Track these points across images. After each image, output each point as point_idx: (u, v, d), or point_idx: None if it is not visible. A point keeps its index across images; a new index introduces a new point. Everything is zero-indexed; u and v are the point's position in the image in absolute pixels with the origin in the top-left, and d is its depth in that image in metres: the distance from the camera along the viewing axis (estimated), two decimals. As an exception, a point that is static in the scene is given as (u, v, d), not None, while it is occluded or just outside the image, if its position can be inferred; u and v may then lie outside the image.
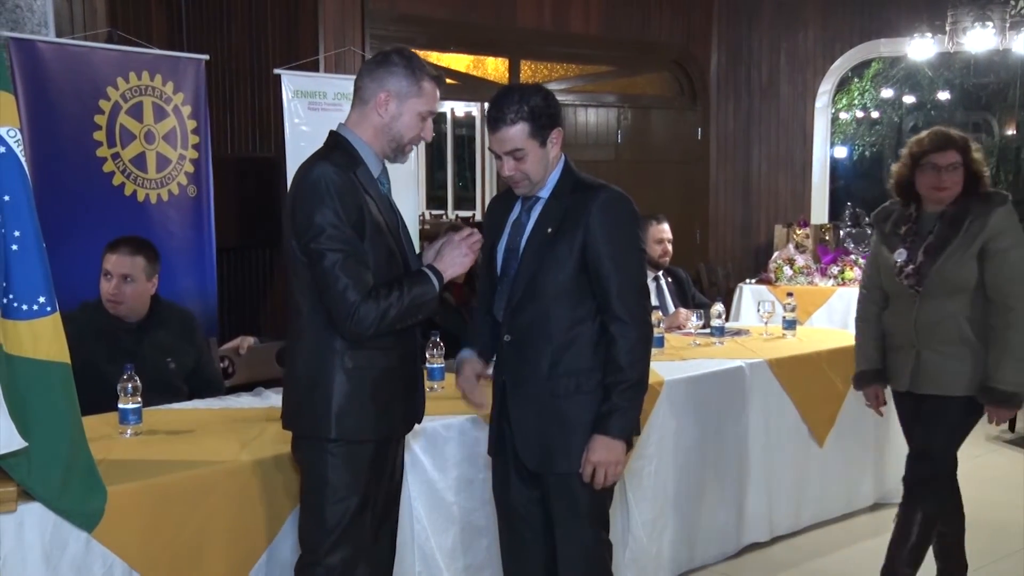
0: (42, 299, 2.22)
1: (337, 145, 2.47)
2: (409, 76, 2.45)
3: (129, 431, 2.92)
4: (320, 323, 2.41)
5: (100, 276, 3.54)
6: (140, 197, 4.98)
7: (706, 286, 7.45)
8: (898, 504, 4.73)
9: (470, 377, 2.74)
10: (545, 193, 2.61)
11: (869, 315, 3.49)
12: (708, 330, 4.66)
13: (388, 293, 2.37)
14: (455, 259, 2.50)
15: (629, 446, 2.67)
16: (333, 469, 2.44)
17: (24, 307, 2.20)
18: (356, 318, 2.34)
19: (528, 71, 7.46)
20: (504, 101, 2.51)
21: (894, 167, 3.45)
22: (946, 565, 3.49)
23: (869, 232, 5.88)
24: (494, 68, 7.38)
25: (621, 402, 2.52)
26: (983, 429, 6.13)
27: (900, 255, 3.32)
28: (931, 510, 3.35)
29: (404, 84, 2.45)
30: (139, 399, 2.95)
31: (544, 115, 2.53)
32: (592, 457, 2.52)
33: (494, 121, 2.52)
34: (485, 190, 7.05)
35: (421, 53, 2.62)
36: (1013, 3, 6.92)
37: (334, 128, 2.53)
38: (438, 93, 2.52)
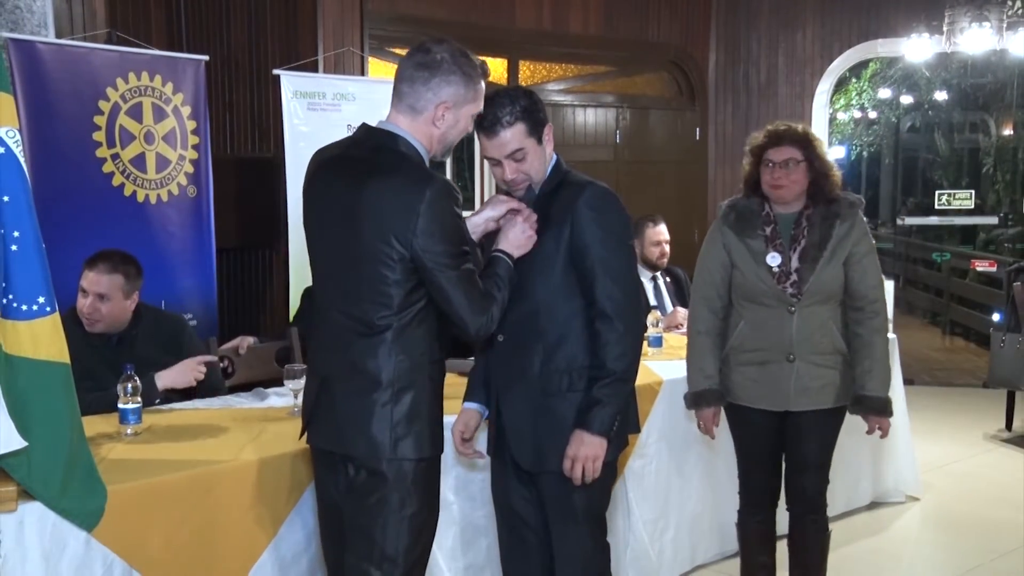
0: (42, 299, 2.21)
1: (401, 148, 2.35)
2: (466, 82, 2.37)
3: (129, 431, 2.92)
4: (419, 333, 2.34)
5: (78, 291, 3.43)
6: (140, 197, 4.98)
7: (705, 286, 7.44)
8: (894, 504, 4.78)
9: (467, 430, 2.74)
10: (536, 191, 2.61)
11: (709, 327, 3.16)
12: (707, 329, 4.65)
13: (497, 288, 2.41)
14: (520, 238, 2.51)
15: (624, 444, 2.66)
16: (429, 488, 2.41)
17: (24, 307, 2.19)
18: (493, 319, 2.38)
19: (527, 71, 7.46)
20: (496, 105, 2.49)
21: (745, 164, 3.23)
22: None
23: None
24: (493, 68, 7.37)
25: (601, 397, 2.50)
26: (980, 428, 6.16)
27: (774, 259, 3.07)
28: (822, 528, 3.24)
29: (461, 91, 2.36)
30: (139, 399, 2.94)
31: (536, 112, 2.54)
32: (569, 451, 2.51)
33: (491, 126, 2.50)
34: (484, 190, 7.04)
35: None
36: (1010, 3, 6.93)
37: (385, 126, 2.38)
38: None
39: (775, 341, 3.08)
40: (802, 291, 3.04)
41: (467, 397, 2.76)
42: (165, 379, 3.36)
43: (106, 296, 3.39)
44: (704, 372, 3.17)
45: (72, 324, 3.28)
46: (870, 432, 3.15)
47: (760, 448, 3.21)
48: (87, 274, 3.42)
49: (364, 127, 2.44)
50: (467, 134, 2.50)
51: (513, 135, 2.52)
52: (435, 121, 2.37)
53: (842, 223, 3.06)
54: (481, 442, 2.78)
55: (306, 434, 2.50)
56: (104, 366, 3.33)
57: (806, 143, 3.08)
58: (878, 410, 3.08)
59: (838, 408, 3.13)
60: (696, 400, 3.21)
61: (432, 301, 2.34)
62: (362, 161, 2.36)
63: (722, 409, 3.24)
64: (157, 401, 3.32)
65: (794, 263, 3.06)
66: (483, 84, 2.43)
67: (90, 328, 3.41)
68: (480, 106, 2.44)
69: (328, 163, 2.43)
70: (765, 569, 3.35)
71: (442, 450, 2.46)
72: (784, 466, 3.22)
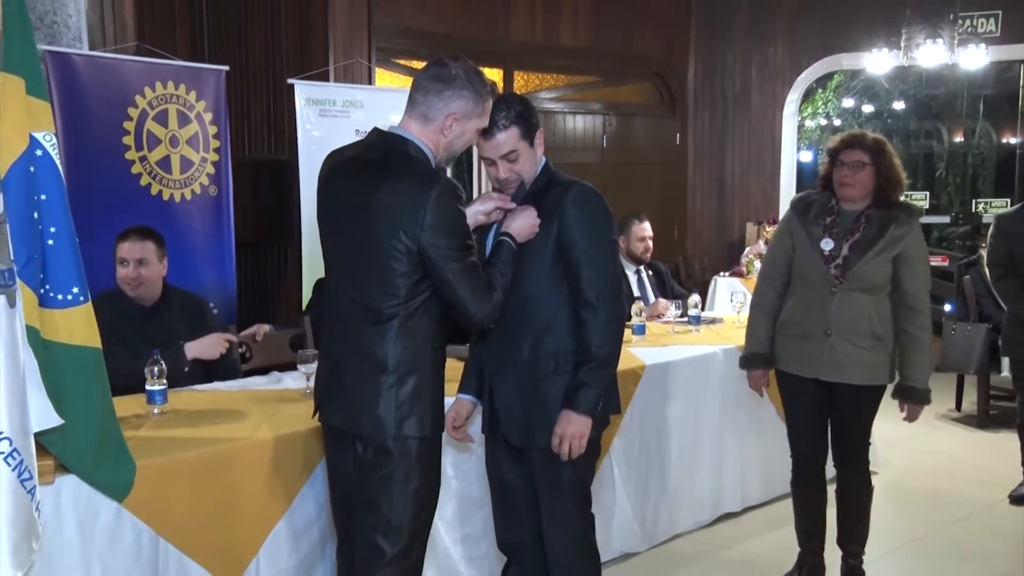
0: (75, 290, 2.21)
1: (411, 151, 2.34)
2: (475, 98, 2.36)
3: (156, 410, 2.92)
4: (423, 322, 2.33)
5: (116, 265, 3.53)
6: (165, 196, 4.98)
7: (684, 278, 7.46)
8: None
9: (458, 418, 2.73)
10: (527, 189, 2.60)
11: (765, 301, 3.35)
12: (685, 319, 4.66)
13: (500, 273, 2.40)
14: (524, 225, 2.49)
15: (606, 423, 2.65)
16: (432, 464, 2.40)
17: (59, 297, 2.19)
18: (497, 305, 2.37)
19: (521, 81, 7.44)
20: (493, 110, 2.47)
21: (822, 163, 3.37)
22: (856, 529, 3.42)
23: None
24: (490, 78, 7.35)
25: (587, 379, 2.49)
26: (933, 409, 6.15)
27: (827, 244, 3.19)
28: (865, 483, 3.37)
29: (469, 106, 2.35)
30: (164, 381, 2.94)
31: (529, 118, 2.54)
32: (557, 430, 2.50)
33: (488, 129, 2.48)
34: (482, 190, 7.03)
35: (421, 64, 2.56)
36: (960, 22, 6.94)
37: (397, 131, 2.36)
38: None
39: (816, 317, 3.20)
40: (845, 275, 3.15)
41: (461, 388, 2.76)
42: (193, 349, 3.41)
43: (144, 260, 3.49)
44: (756, 339, 3.35)
45: (110, 301, 3.42)
46: (906, 419, 3.26)
47: (804, 412, 3.33)
48: (122, 246, 3.52)
49: (376, 131, 2.42)
50: (468, 147, 2.50)
51: (508, 137, 2.51)
52: (443, 130, 2.36)
53: (898, 227, 3.15)
54: (476, 425, 2.78)
55: (318, 413, 2.50)
56: (138, 336, 3.39)
57: (875, 150, 3.18)
58: (919, 399, 3.17)
59: (874, 386, 3.21)
60: (746, 362, 3.39)
61: (436, 292, 2.33)
62: (375, 162, 2.34)
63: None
64: (186, 369, 3.36)
65: (844, 251, 3.17)
66: (491, 102, 2.41)
67: (133, 292, 3.50)
68: (486, 122, 2.43)
69: (343, 164, 2.42)
70: (814, 521, 3.43)
71: (443, 429, 2.46)
72: (830, 433, 3.35)
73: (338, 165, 2.43)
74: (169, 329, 3.52)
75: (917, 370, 3.15)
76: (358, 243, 2.33)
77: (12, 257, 2.03)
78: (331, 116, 5.45)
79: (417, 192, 2.26)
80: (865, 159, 3.16)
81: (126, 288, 3.50)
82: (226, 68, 5.26)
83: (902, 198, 3.28)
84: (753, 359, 3.37)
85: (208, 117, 5.11)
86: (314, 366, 3.00)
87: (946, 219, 13.66)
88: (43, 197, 2.16)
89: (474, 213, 2.54)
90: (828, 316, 3.18)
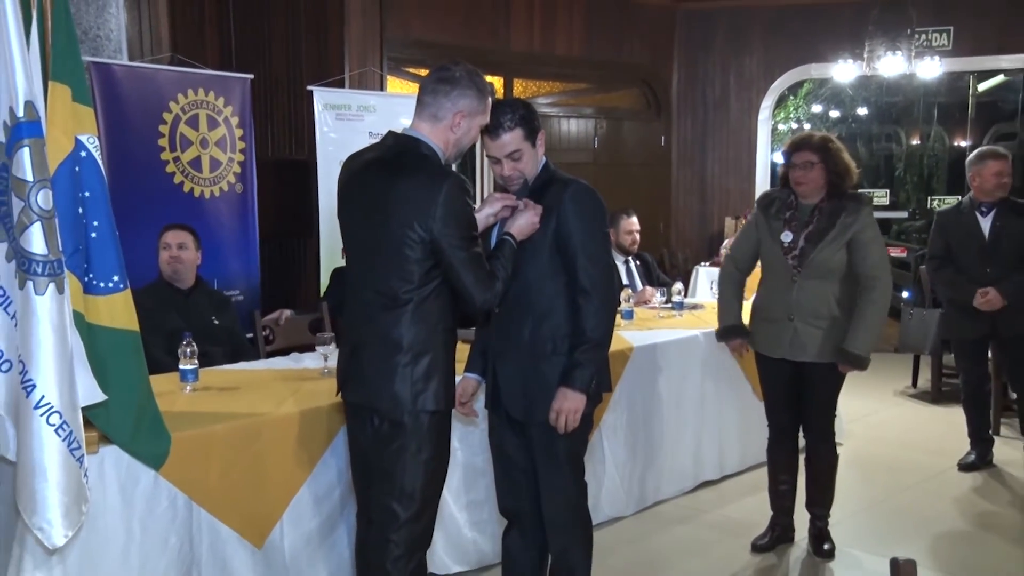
0: (116, 278, 2.22)
1: (423, 150, 2.34)
2: (479, 97, 2.36)
3: (188, 388, 2.93)
4: (435, 306, 2.33)
5: (159, 252, 3.73)
6: (196, 193, 4.98)
7: (668, 268, 7.45)
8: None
9: (464, 395, 2.72)
10: (529, 186, 2.59)
11: (731, 277, 3.41)
12: (670, 305, 4.66)
13: (502, 266, 2.39)
14: (525, 225, 2.48)
15: (599, 400, 2.64)
16: (442, 437, 2.40)
17: (101, 284, 2.20)
18: (497, 293, 2.36)
19: (520, 88, 7.41)
20: (499, 112, 2.48)
21: (781, 165, 3.40)
22: (822, 493, 3.45)
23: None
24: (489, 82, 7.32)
25: (582, 359, 2.49)
26: (891, 386, 6.20)
27: (787, 236, 3.22)
28: (831, 451, 3.40)
29: (475, 104, 2.35)
30: (196, 361, 2.95)
31: (532, 120, 2.53)
32: (555, 405, 2.50)
33: (494, 129, 2.48)
34: (484, 188, 7.01)
35: (426, 71, 2.55)
36: (917, 36, 6.95)
37: (410, 132, 2.36)
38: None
39: (780, 304, 3.24)
40: (802, 265, 3.18)
41: (467, 367, 2.75)
42: None
43: (184, 244, 3.75)
44: (730, 311, 3.41)
45: (152, 291, 3.65)
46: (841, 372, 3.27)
47: (776, 388, 3.37)
48: (166, 234, 3.76)
49: (391, 134, 2.42)
50: (474, 143, 2.49)
51: (512, 138, 2.50)
52: (452, 127, 2.36)
53: (848, 215, 3.17)
54: (480, 401, 2.78)
55: (341, 392, 2.49)
56: (176, 313, 3.63)
57: (822, 149, 3.21)
58: (854, 363, 3.18)
59: (834, 363, 3.22)
60: (724, 334, 3.43)
61: (446, 278, 2.34)
62: (390, 162, 2.35)
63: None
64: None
65: (801, 242, 3.20)
66: (491, 100, 2.42)
67: (172, 272, 3.73)
68: (487, 118, 2.43)
69: (362, 165, 2.41)
70: (787, 485, 3.48)
71: (453, 405, 2.46)
72: (800, 407, 3.37)
73: (359, 168, 2.43)
74: (201, 309, 3.73)
75: (856, 337, 3.14)
76: (377, 234, 2.33)
77: (60, 248, 2.04)
78: (347, 120, 5.44)
79: (430, 187, 2.26)
80: (813, 159, 3.19)
81: (167, 269, 3.71)
82: (251, 76, 5.25)
83: (860, 190, 3.29)
84: (729, 331, 3.41)
85: (235, 121, 5.10)
86: (331, 347, 3.01)
87: (904, 214, 13.67)
88: (87, 194, 2.16)
89: (485, 216, 2.53)
90: (790, 302, 3.21)
